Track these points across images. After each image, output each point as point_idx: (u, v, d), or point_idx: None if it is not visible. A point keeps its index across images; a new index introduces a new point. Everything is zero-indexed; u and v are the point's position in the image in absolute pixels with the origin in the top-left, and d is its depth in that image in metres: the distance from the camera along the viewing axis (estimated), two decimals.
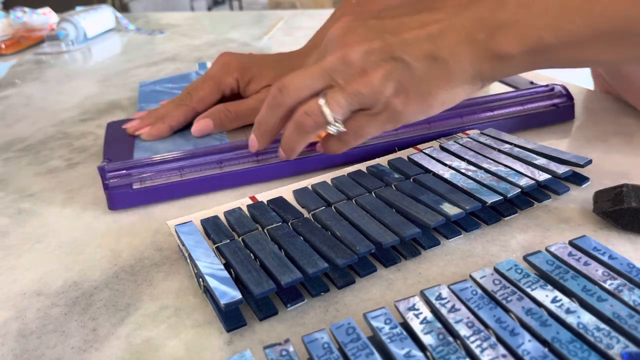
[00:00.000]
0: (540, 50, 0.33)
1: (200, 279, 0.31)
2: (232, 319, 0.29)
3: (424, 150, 0.43)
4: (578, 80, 0.63)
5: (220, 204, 0.39)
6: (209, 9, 4.63)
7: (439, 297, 0.27)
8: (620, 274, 0.28)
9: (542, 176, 0.38)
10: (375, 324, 0.26)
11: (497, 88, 0.57)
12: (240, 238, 0.34)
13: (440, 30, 0.35)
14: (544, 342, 0.24)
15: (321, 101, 0.37)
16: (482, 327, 0.25)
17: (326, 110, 0.37)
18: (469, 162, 0.41)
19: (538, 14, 0.32)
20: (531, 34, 0.32)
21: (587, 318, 0.25)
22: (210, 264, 0.31)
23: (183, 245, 0.33)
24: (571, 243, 0.31)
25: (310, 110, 0.37)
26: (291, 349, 0.25)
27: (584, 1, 0.31)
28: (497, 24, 0.33)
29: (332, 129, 0.38)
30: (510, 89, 0.55)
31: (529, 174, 0.38)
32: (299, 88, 0.38)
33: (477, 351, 0.24)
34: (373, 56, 0.35)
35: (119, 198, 0.41)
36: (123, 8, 3.29)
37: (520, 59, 0.34)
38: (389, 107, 0.36)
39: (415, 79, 0.35)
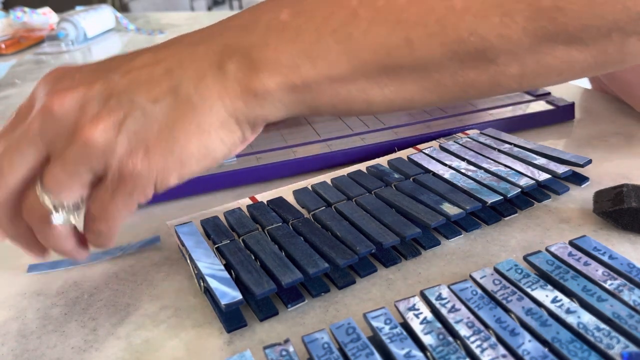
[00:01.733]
0: (300, 86, 0.27)
1: (201, 280, 0.31)
2: (232, 319, 0.29)
3: (423, 150, 0.43)
4: (577, 80, 0.62)
5: (220, 204, 0.39)
6: (209, 9, 4.63)
7: (439, 297, 0.27)
8: (620, 274, 0.28)
9: (542, 176, 0.38)
10: (375, 324, 0.26)
11: None
12: (240, 238, 0.34)
13: (180, 62, 0.28)
14: (544, 342, 0.24)
15: (38, 186, 0.27)
16: (482, 327, 0.25)
17: (45, 198, 0.27)
18: (469, 162, 0.41)
19: (290, 38, 0.27)
20: (285, 62, 0.27)
21: (587, 318, 0.25)
22: (210, 264, 0.31)
23: (183, 245, 0.33)
24: (571, 243, 0.31)
25: (29, 203, 0.28)
26: (291, 349, 0.25)
27: (341, 26, 0.27)
28: (247, 50, 0.27)
29: (56, 220, 0.27)
30: None
31: (528, 174, 0.38)
32: (6, 173, 0.28)
33: (477, 351, 0.24)
34: (93, 103, 0.27)
35: None
36: (123, 8, 3.29)
37: (279, 96, 0.27)
38: (127, 171, 0.26)
39: (153, 126, 0.27)
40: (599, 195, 0.35)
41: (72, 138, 0.27)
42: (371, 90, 0.28)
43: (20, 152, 0.27)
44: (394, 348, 0.24)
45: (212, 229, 0.35)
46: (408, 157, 0.43)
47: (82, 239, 0.30)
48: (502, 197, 0.36)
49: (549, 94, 0.53)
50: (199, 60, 0.28)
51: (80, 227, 0.29)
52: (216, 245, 0.33)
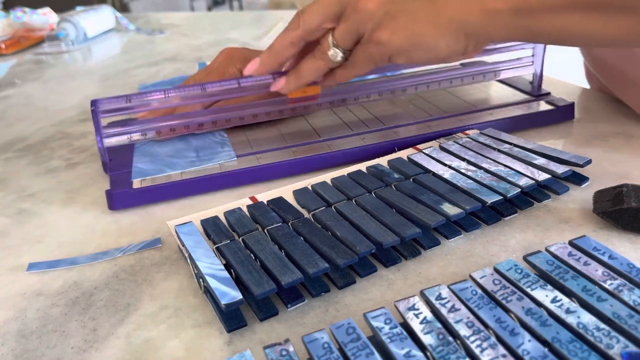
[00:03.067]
0: (525, 10, 0.34)
1: (201, 280, 0.31)
2: (232, 319, 0.29)
3: (423, 150, 0.43)
4: (578, 80, 0.63)
5: (220, 204, 0.39)
6: (209, 9, 4.63)
7: (439, 297, 0.27)
8: (620, 274, 0.28)
9: (542, 176, 0.38)
10: (375, 324, 0.26)
11: (497, 88, 0.57)
12: (240, 238, 0.34)
13: None
14: (544, 342, 0.24)
15: (330, 36, 0.41)
16: (482, 327, 0.25)
17: (329, 38, 0.40)
18: (469, 162, 0.41)
19: None
20: None
21: (587, 318, 0.25)
22: (210, 264, 0.31)
23: (183, 245, 0.33)
24: (571, 243, 0.31)
25: (323, 45, 0.41)
26: (291, 348, 0.25)
27: None
28: None
29: (331, 53, 0.41)
30: (510, 89, 0.55)
31: (528, 174, 0.38)
32: (314, 13, 0.41)
33: (477, 351, 0.24)
34: None
35: (119, 198, 0.41)
36: (123, 8, 3.29)
37: (506, 17, 0.35)
38: (375, 37, 0.38)
39: (404, 13, 0.37)
40: (599, 195, 0.35)
41: (355, 5, 0.39)
42: (583, 22, 0.34)
43: (328, 5, 0.40)
44: (394, 348, 0.24)
45: (212, 229, 0.35)
46: (408, 157, 0.43)
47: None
48: (502, 197, 0.36)
49: (548, 94, 0.53)
50: None
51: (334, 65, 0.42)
52: (216, 245, 0.33)
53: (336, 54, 0.41)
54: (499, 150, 0.42)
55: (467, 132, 0.46)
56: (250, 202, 0.38)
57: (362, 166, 0.42)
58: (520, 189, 0.37)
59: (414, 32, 0.37)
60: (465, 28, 0.36)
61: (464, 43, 0.37)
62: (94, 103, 0.43)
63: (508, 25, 0.35)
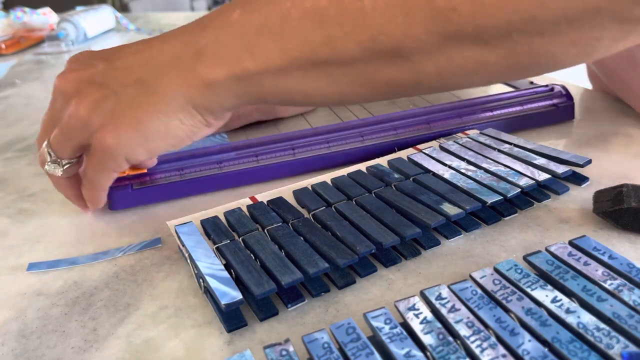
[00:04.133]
0: (244, 77, 0.32)
1: (201, 280, 0.31)
2: (232, 319, 0.29)
3: (423, 150, 0.43)
4: (578, 80, 0.63)
5: (220, 204, 0.39)
6: (209, 9, 4.63)
7: (439, 297, 0.27)
8: (620, 274, 0.28)
9: (542, 176, 0.38)
10: (375, 324, 0.26)
11: (497, 88, 0.57)
12: (240, 238, 0.34)
13: (152, 54, 0.34)
14: (544, 342, 0.24)
15: (45, 143, 0.36)
16: (482, 327, 0.25)
17: (45, 150, 0.36)
18: (469, 162, 0.41)
19: (235, 35, 0.31)
20: (230, 56, 0.31)
21: (587, 318, 0.25)
22: (210, 264, 0.31)
23: (183, 245, 0.33)
24: (571, 243, 0.31)
25: (41, 152, 0.37)
26: (291, 348, 0.25)
27: (276, 24, 0.30)
28: (199, 46, 0.32)
29: (47, 167, 0.37)
30: (510, 89, 0.55)
31: (528, 174, 0.38)
32: (42, 130, 0.38)
33: (477, 351, 0.24)
34: (83, 85, 0.34)
35: (119, 198, 0.41)
36: (123, 8, 3.29)
37: (227, 86, 0.32)
38: (100, 141, 0.34)
39: (123, 107, 0.33)
40: (599, 195, 0.35)
41: (69, 109, 0.34)
42: (306, 82, 0.32)
43: (45, 120, 0.37)
44: (394, 348, 0.24)
45: (212, 229, 0.35)
46: (408, 157, 0.43)
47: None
48: (502, 197, 0.36)
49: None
50: (165, 54, 0.33)
51: (64, 179, 0.38)
52: (216, 245, 0.33)
53: (54, 169, 0.37)
54: (499, 150, 0.42)
55: (467, 132, 0.46)
56: (250, 202, 0.38)
57: (362, 166, 0.42)
58: (520, 189, 0.37)
59: (139, 122, 0.33)
60: (192, 102, 0.33)
61: (199, 116, 0.34)
62: None
63: (232, 92, 0.33)
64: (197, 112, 0.34)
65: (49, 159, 0.36)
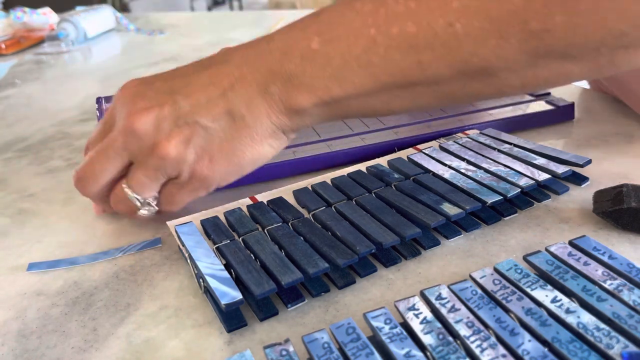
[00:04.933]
0: (331, 102, 0.33)
1: (201, 279, 0.31)
2: (232, 319, 0.29)
3: (423, 150, 0.43)
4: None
5: (220, 204, 0.39)
6: (209, 9, 4.63)
7: (439, 297, 0.27)
8: (620, 274, 0.28)
9: (542, 176, 0.38)
10: (375, 324, 0.26)
11: None
12: (240, 238, 0.34)
13: (231, 85, 0.33)
14: (544, 342, 0.24)
15: (124, 186, 0.35)
16: (482, 327, 0.25)
17: (131, 195, 0.35)
18: (469, 162, 0.41)
19: (321, 65, 0.32)
20: (318, 86, 0.32)
21: (587, 318, 0.25)
22: (210, 264, 0.31)
23: (183, 245, 0.33)
24: (571, 243, 0.31)
25: (118, 198, 0.36)
26: (291, 348, 0.25)
27: (362, 52, 0.31)
28: (287, 76, 0.32)
29: (143, 212, 0.36)
30: None
31: (528, 174, 0.38)
32: (98, 176, 0.35)
33: (477, 351, 0.24)
34: (165, 123, 0.33)
35: None
36: (123, 8, 3.29)
37: (315, 111, 0.33)
38: (195, 174, 0.34)
39: (215, 140, 0.33)
40: (599, 195, 0.35)
41: (151, 151, 0.33)
42: (392, 101, 0.33)
43: (109, 159, 0.35)
44: (393, 348, 0.24)
45: (212, 229, 0.35)
46: (408, 157, 0.43)
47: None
48: (502, 197, 0.36)
49: (548, 94, 0.53)
50: (247, 85, 0.33)
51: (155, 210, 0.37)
52: (216, 245, 0.33)
53: (151, 209, 0.36)
54: (499, 150, 0.42)
55: (467, 132, 0.46)
56: (250, 202, 0.38)
57: (362, 166, 0.42)
58: (520, 189, 0.37)
59: (233, 154, 0.34)
60: (280, 127, 0.34)
61: (285, 137, 0.35)
62: (99, 100, 0.43)
63: (319, 116, 0.34)
64: (284, 134, 0.35)
65: (138, 204, 0.35)
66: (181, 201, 0.36)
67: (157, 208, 0.36)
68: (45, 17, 1.14)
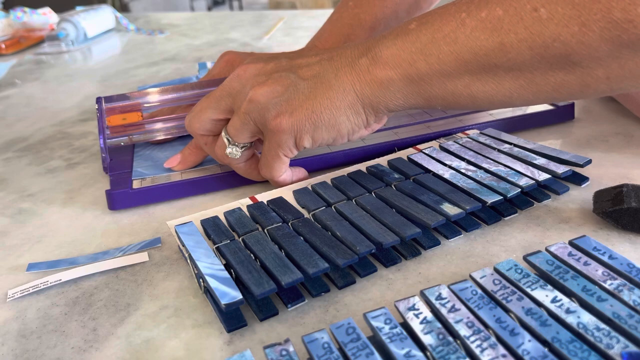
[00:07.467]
0: (415, 77, 0.35)
1: (201, 280, 0.31)
2: (232, 319, 0.29)
3: (423, 150, 0.43)
4: None
5: (220, 204, 0.39)
6: (209, 9, 4.63)
7: (439, 297, 0.27)
8: (620, 274, 0.28)
9: (542, 176, 0.38)
10: (375, 324, 0.26)
11: None
12: (240, 238, 0.34)
13: (330, 57, 0.38)
14: (544, 342, 0.24)
15: (223, 130, 0.40)
16: (482, 327, 0.25)
17: (224, 134, 0.40)
18: (469, 162, 0.41)
19: (411, 41, 0.35)
20: (404, 58, 0.35)
21: (587, 318, 0.25)
22: (210, 264, 0.31)
23: (183, 245, 0.33)
24: (571, 243, 0.31)
25: (218, 142, 0.40)
26: (291, 348, 0.25)
27: (450, 31, 0.33)
28: (378, 49, 0.36)
29: (228, 151, 0.40)
30: None
31: (528, 174, 0.38)
32: (204, 113, 0.40)
33: (477, 351, 0.24)
34: (263, 75, 0.38)
35: (119, 198, 0.41)
36: (123, 8, 3.29)
37: (399, 86, 0.35)
38: (277, 125, 0.37)
39: (299, 96, 0.37)
40: (599, 195, 0.35)
41: (247, 97, 0.37)
42: (474, 85, 0.34)
43: (216, 99, 0.40)
44: (393, 348, 0.24)
45: (212, 229, 0.35)
46: (408, 157, 0.43)
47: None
48: (502, 197, 0.36)
49: None
50: (343, 57, 0.37)
51: (242, 160, 0.41)
52: (216, 245, 0.33)
53: (235, 152, 0.40)
54: (499, 150, 0.42)
55: (467, 132, 0.46)
56: (250, 202, 0.38)
57: (362, 166, 0.42)
58: (520, 189, 0.37)
59: (313, 111, 0.36)
60: (362, 99, 0.36)
61: (364, 115, 0.37)
62: (99, 100, 0.43)
63: (401, 92, 0.36)
64: (363, 111, 0.37)
65: (227, 144, 0.39)
66: (269, 159, 0.39)
67: (240, 153, 0.40)
68: (45, 17, 1.14)
